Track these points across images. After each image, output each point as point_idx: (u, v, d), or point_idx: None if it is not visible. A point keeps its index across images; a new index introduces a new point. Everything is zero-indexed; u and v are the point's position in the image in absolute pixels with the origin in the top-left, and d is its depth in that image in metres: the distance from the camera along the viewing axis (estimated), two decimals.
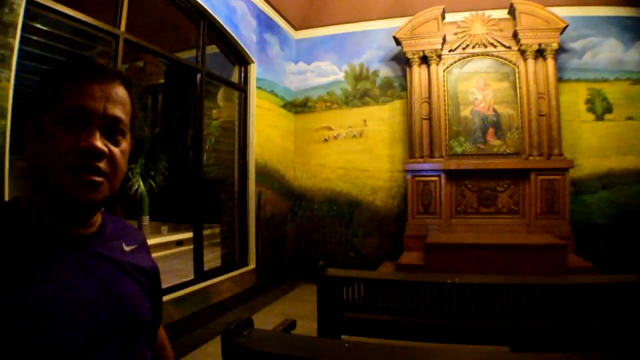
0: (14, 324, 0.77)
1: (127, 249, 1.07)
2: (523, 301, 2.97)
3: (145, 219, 9.20)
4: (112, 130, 0.94)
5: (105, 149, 0.91)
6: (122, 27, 4.18)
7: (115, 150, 0.94)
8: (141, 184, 8.65)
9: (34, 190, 0.94)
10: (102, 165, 0.91)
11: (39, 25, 3.35)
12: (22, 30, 3.03)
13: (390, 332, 3.22)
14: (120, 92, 0.97)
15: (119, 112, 0.95)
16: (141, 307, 1.03)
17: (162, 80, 9.90)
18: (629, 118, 6.51)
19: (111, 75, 0.96)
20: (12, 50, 2.92)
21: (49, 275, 0.85)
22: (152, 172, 8.86)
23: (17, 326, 0.77)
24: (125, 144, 0.98)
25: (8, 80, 2.88)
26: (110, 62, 4.07)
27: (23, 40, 3.06)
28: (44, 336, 0.79)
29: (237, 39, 6.13)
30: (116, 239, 1.05)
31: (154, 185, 8.88)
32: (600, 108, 6.63)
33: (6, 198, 2.84)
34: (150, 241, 6.34)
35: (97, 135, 0.90)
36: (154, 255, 1.22)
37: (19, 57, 2.99)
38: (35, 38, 3.28)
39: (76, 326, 0.84)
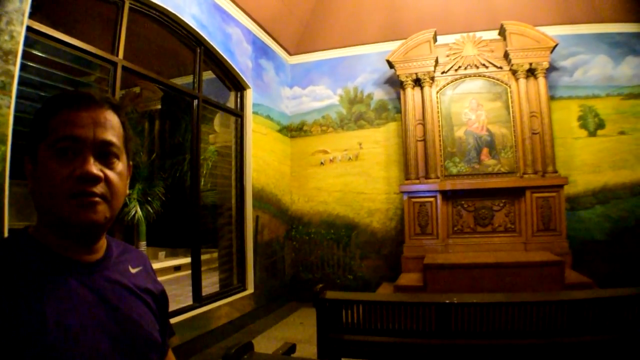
0: (36, 350, 0.79)
1: (133, 271, 1.09)
2: (522, 319, 2.97)
3: (142, 245, 9.16)
4: (105, 154, 0.96)
5: (100, 173, 0.93)
6: (120, 55, 4.24)
7: (111, 173, 0.96)
8: (138, 209, 8.64)
9: (41, 220, 0.96)
10: (99, 189, 0.93)
11: (37, 53, 3.40)
12: (22, 57, 3.07)
13: (390, 354, 3.19)
14: (109, 116, 0.99)
15: (110, 135, 0.97)
16: (152, 328, 1.05)
17: (159, 106, 9.94)
18: (622, 133, 6.59)
19: (98, 101, 0.98)
20: (12, 77, 2.95)
21: (63, 301, 0.87)
22: (149, 198, 8.85)
23: (39, 352, 0.79)
24: (121, 166, 1.00)
25: (8, 107, 2.90)
26: (108, 89, 4.12)
27: (22, 67, 3.09)
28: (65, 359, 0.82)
29: (233, 65, 6.20)
30: (122, 262, 1.07)
31: (151, 210, 8.87)
32: (592, 124, 6.72)
33: (5, 223, 2.85)
34: None
35: (91, 160, 0.93)
36: None
37: (19, 83, 3.03)
38: (34, 65, 3.33)
39: (93, 349, 0.87)
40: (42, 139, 0.93)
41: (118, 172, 0.99)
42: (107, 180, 0.95)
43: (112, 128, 0.98)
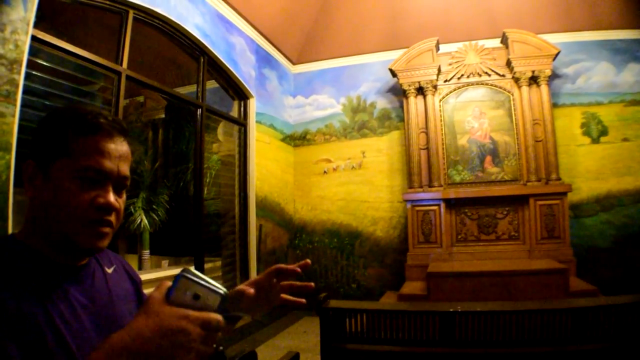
0: (37, 353, 0.81)
1: (109, 271, 1.13)
2: (526, 327, 2.95)
3: (146, 253, 9.14)
4: (120, 186, 1.01)
5: (117, 204, 0.99)
6: (124, 64, 4.26)
7: (121, 202, 1.02)
8: (144, 218, 8.63)
9: (34, 226, 0.98)
10: (112, 218, 0.98)
11: (42, 62, 3.42)
12: (27, 66, 3.09)
13: None
14: (126, 147, 1.04)
15: (127, 169, 1.03)
16: None
17: (163, 115, 9.95)
18: (625, 139, 6.58)
19: (120, 132, 1.02)
20: (17, 86, 2.97)
21: (59, 304, 0.90)
22: (154, 206, 8.85)
23: (40, 355, 0.81)
24: (125, 195, 1.06)
25: (13, 115, 2.92)
26: (112, 98, 4.14)
27: (27, 76, 3.11)
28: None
29: (236, 74, 6.23)
30: (101, 265, 1.12)
31: (156, 219, 8.86)
32: (595, 131, 6.71)
33: (10, 231, 2.86)
34: (151, 275, 6.34)
35: (111, 192, 0.98)
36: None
37: (23, 92, 3.05)
38: (38, 74, 3.35)
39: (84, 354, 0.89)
40: (62, 155, 0.95)
41: (123, 200, 1.04)
42: (118, 209, 1.01)
43: (128, 160, 1.04)
